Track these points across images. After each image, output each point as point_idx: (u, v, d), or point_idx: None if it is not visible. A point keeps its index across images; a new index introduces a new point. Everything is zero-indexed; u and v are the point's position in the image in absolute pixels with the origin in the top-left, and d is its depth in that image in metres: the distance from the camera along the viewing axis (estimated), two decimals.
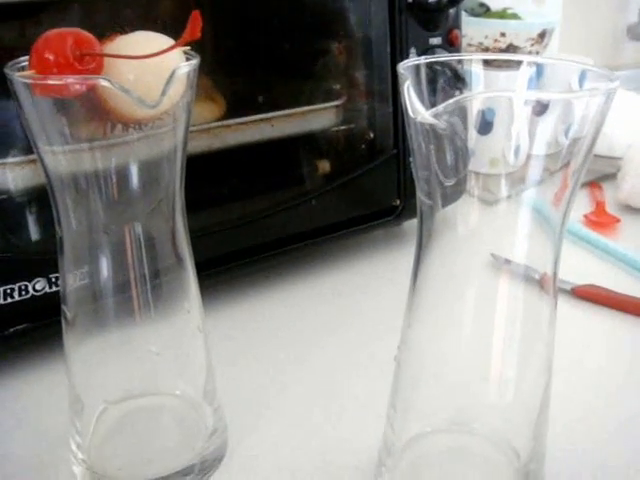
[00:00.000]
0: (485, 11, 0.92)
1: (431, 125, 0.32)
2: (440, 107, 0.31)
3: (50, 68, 0.33)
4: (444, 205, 0.36)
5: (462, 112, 0.33)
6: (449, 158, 0.34)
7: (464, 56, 0.37)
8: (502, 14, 0.91)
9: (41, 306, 0.51)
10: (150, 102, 0.34)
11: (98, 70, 0.34)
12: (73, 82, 0.33)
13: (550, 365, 0.39)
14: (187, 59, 0.37)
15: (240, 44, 0.67)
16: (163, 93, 0.34)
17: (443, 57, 0.36)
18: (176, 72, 0.35)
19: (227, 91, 0.66)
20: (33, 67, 0.34)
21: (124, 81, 0.34)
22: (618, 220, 0.80)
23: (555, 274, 0.37)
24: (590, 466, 0.45)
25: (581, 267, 0.70)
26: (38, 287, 0.51)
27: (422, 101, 0.33)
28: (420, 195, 0.36)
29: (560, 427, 0.46)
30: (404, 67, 0.34)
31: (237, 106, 0.66)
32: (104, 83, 0.33)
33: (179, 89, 0.37)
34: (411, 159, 0.36)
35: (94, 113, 0.36)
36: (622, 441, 0.47)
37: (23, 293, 0.51)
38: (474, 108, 0.33)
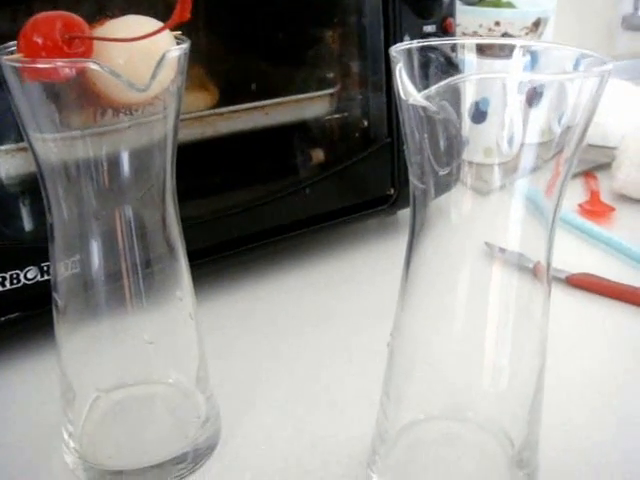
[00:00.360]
0: (479, 0, 0.92)
1: (423, 108, 0.32)
2: (432, 89, 0.30)
3: (39, 52, 0.33)
4: (437, 194, 0.36)
5: (456, 100, 0.32)
6: (442, 144, 0.34)
7: (457, 40, 0.37)
8: (497, 3, 0.91)
9: (33, 295, 0.51)
10: (140, 85, 0.34)
11: (87, 54, 0.34)
12: (62, 65, 0.33)
13: (544, 353, 0.38)
14: (178, 44, 0.37)
15: (233, 32, 0.67)
16: (153, 76, 0.34)
17: (435, 41, 0.36)
18: (166, 55, 0.34)
19: (220, 80, 0.66)
20: (21, 51, 0.33)
21: (114, 65, 0.33)
22: (613, 209, 0.80)
23: (549, 263, 0.37)
24: (586, 453, 0.45)
25: (575, 256, 0.70)
26: (30, 276, 0.51)
27: (415, 86, 0.33)
28: (413, 179, 0.36)
29: (554, 415, 0.46)
30: (396, 50, 0.34)
31: (230, 94, 0.66)
32: (93, 66, 0.33)
33: (169, 73, 0.36)
34: (405, 147, 0.36)
35: (84, 98, 0.36)
36: (616, 428, 0.47)
37: (15, 282, 0.50)
38: (468, 98, 0.33)
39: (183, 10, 0.30)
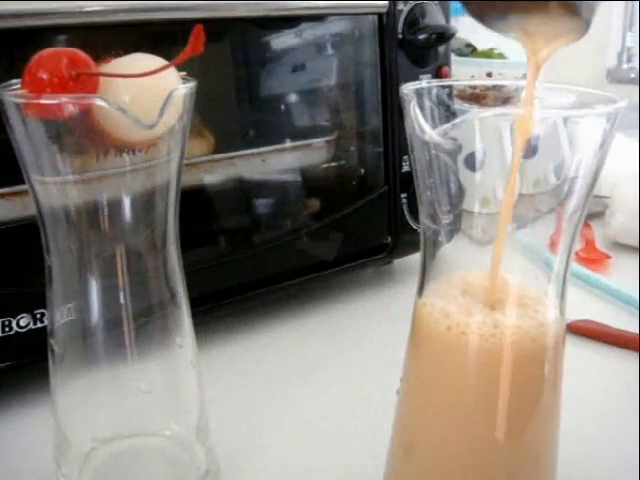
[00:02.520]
0: (471, 51, 0.93)
1: (435, 145, 0.32)
2: (448, 125, 0.30)
3: (44, 87, 0.32)
4: (448, 238, 0.35)
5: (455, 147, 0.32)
6: (452, 186, 0.34)
7: (469, 82, 0.37)
8: (489, 54, 0.92)
9: (25, 343, 0.49)
10: (147, 122, 0.33)
11: (94, 91, 0.33)
12: (68, 101, 0.32)
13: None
14: (183, 84, 0.36)
15: (230, 79, 0.67)
16: (160, 113, 0.33)
17: (448, 81, 0.36)
18: (174, 93, 0.34)
19: (216, 127, 0.65)
20: (26, 86, 0.32)
21: (120, 102, 0.33)
22: (609, 257, 0.80)
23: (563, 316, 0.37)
24: None
25: (575, 303, 0.69)
26: (22, 323, 0.49)
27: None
28: (424, 220, 0.35)
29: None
30: (407, 89, 0.33)
31: (227, 142, 0.65)
32: (100, 102, 0.32)
33: (175, 113, 0.36)
34: (415, 185, 0.35)
35: (87, 137, 0.35)
36: (623, 476, 0.47)
37: (6, 329, 0.49)
38: (466, 146, 0.32)
39: (196, 43, 0.29)
